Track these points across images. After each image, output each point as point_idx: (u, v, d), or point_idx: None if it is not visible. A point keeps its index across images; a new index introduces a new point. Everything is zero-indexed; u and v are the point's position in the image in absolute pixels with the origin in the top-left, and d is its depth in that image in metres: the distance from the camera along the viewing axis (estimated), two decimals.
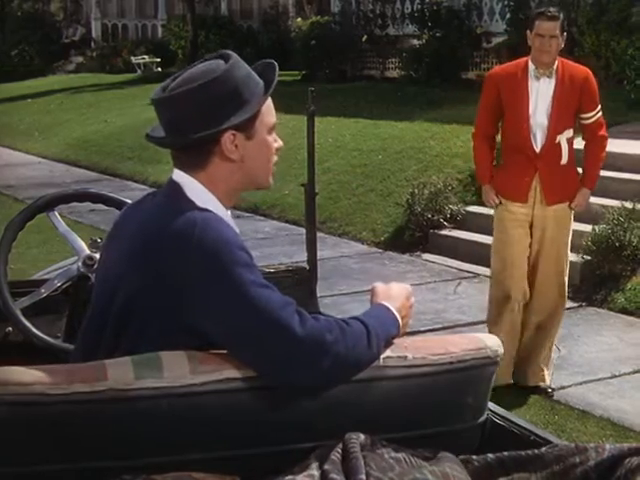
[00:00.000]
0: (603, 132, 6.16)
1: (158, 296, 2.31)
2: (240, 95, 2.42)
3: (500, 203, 6.17)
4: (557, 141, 5.95)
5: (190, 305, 2.29)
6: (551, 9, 5.98)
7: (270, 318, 2.26)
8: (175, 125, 2.42)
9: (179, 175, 2.47)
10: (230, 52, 2.51)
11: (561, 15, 5.94)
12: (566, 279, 6.28)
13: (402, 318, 2.52)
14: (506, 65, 6.35)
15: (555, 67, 5.95)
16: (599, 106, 6.07)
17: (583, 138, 6.20)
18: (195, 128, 2.39)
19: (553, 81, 5.95)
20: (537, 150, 5.98)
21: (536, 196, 6.04)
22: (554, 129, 5.94)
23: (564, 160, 6.01)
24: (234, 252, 2.30)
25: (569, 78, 5.95)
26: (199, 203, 2.40)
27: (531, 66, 5.98)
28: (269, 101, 2.51)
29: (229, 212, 2.51)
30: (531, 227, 6.12)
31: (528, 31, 5.97)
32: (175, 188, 2.45)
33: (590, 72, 6.07)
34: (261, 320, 2.26)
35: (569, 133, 6.00)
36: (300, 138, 8.11)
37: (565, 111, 5.96)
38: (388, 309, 2.51)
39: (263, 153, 2.50)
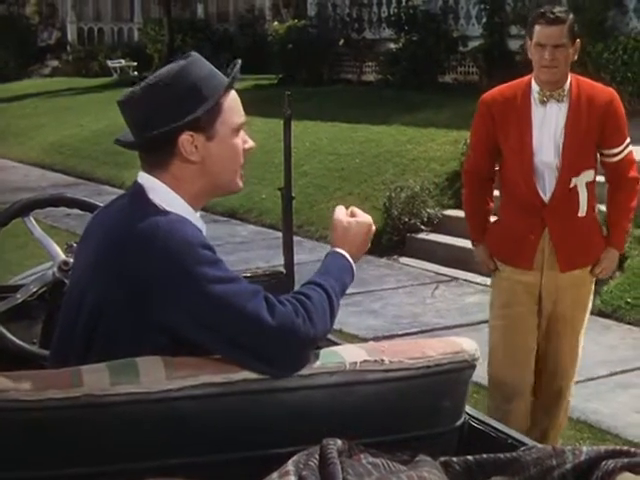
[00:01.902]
0: (634, 173, 4.70)
1: (126, 299, 2.32)
2: (199, 92, 2.40)
3: (497, 269, 4.76)
4: (572, 186, 4.50)
5: (161, 306, 2.29)
6: (555, 9, 4.45)
7: (240, 311, 2.29)
8: (136, 125, 2.42)
9: (143, 177, 2.47)
10: (193, 52, 2.50)
11: (570, 17, 4.45)
12: (580, 352, 4.86)
13: (357, 254, 2.60)
14: (504, 86, 4.70)
15: (567, 87, 4.50)
16: (628, 139, 4.64)
17: (607, 180, 4.75)
18: (153, 127, 2.38)
19: (565, 106, 4.50)
20: (545, 199, 4.53)
21: (545, 260, 4.59)
22: (568, 170, 4.49)
23: (582, 211, 4.57)
24: (197, 251, 2.31)
25: (587, 102, 4.50)
26: (164, 205, 2.40)
27: (534, 87, 4.52)
28: (234, 100, 2.48)
29: (198, 214, 2.50)
30: (539, 298, 4.68)
31: (528, 39, 4.52)
32: (138, 191, 2.45)
33: (615, 93, 4.59)
34: (231, 316, 2.29)
35: (589, 175, 4.56)
36: (276, 142, 8.08)
37: (582, 146, 4.51)
38: (344, 257, 2.57)
39: (226, 155, 2.47)
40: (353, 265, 2.58)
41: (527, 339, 4.70)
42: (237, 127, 2.48)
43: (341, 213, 2.66)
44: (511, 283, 4.67)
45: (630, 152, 4.67)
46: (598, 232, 4.72)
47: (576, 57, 4.50)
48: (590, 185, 4.56)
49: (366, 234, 2.64)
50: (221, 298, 2.29)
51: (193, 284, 2.28)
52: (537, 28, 4.42)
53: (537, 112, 4.51)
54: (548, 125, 4.51)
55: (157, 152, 2.43)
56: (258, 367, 2.31)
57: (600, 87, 4.63)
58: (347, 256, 2.58)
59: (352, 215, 2.67)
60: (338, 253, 2.58)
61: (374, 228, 2.68)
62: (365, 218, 2.66)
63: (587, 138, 4.50)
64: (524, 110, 4.52)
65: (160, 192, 2.42)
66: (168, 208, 2.39)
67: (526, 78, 4.60)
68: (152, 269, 2.29)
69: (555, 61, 4.39)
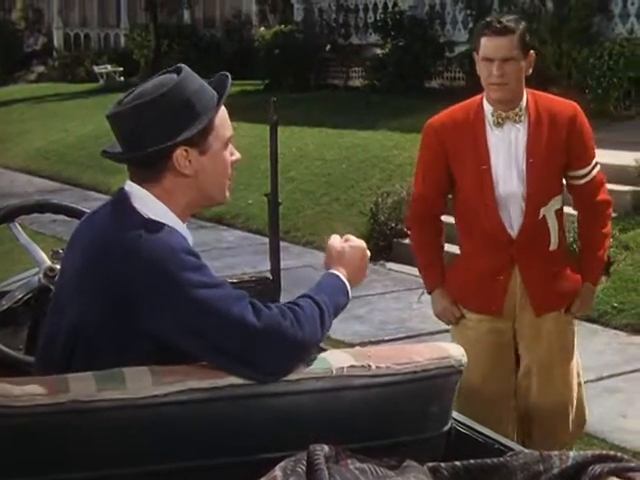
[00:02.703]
0: (604, 195, 4.14)
1: (111, 306, 2.32)
2: (192, 108, 2.42)
3: (462, 317, 4.17)
4: (541, 216, 3.98)
5: (146, 313, 2.30)
6: (503, 19, 3.91)
7: (225, 315, 2.29)
8: (128, 140, 2.43)
9: (130, 186, 2.47)
10: (183, 66, 2.51)
11: (520, 26, 3.91)
12: (584, 406, 4.38)
13: (351, 277, 2.57)
14: (454, 109, 4.16)
15: (524, 105, 3.97)
16: (595, 157, 4.11)
17: (575, 207, 4.24)
18: (147, 143, 2.39)
19: (523, 127, 3.97)
20: (512, 234, 3.99)
21: (517, 304, 4.05)
22: (535, 199, 3.96)
23: (554, 244, 4.05)
24: (181, 257, 2.32)
25: (548, 119, 3.97)
26: (149, 214, 2.40)
27: (487, 108, 3.99)
28: (224, 114, 2.51)
29: (185, 225, 2.51)
30: (515, 347, 4.14)
31: (475, 54, 3.97)
32: (122, 198, 2.46)
33: (578, 107, 4.06)
34: (217, 319, 2.29)
35: (557, 203, 4.05)
36: (263, 147, 8.06)
37: (548, 170, 3.98)
38: (338, 278, 2.55)
39: (218, 168, 2.50)
40: (348, 286, 2.56)
41: (504, 401, 4.12)
42: (227, 140, 2.51)
43: (335, 240, 2.66)
44: (479, 333, 4.08)
45: (599, 172, 4.12)
46: (572, 268, 4.16)
47: (530, 71, 3.95)
48: (559, 213, 4.06)
49: (361, 259, 2.62)
50: (206, 303, 2.29)
51: (177, 290, 2.29)
52: (483, 40, 3.89)
53: (493, 136, 3.98)
54: (506, 150, 3.98)
55: (149, 166, 2.44)
56: (244, 372, 2.30)
57: (560, 101, 4.09)
58: (341, 277, 2.56)
59: (346, 241, 2.65)
60: (332, 273, 2.58)
61: (369, 253, 2.65)
62: (359, 243, 2.66)
63: (552, 161, 3.98)
64: (478, 135, 3.99)
65: (146, 201, 2.43)
66: (153, 217, 2.40)
67: (477, 98, 4.07)
68: (137, 276, 2.29)
69: (505, 77, 3.86)
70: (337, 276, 2.56)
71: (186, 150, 2.41)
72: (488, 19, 3.97)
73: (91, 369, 2.28)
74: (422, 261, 4.30)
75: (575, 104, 4.07)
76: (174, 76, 2.45)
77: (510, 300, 4.04)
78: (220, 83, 2.53)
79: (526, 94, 4.01)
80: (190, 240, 2.46)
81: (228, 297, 2.32)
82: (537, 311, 4.05)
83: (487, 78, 3.90)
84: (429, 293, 4.30)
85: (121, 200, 2.45)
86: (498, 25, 3.86)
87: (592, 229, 4.17)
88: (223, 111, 2.50)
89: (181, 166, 2.42)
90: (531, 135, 3.96)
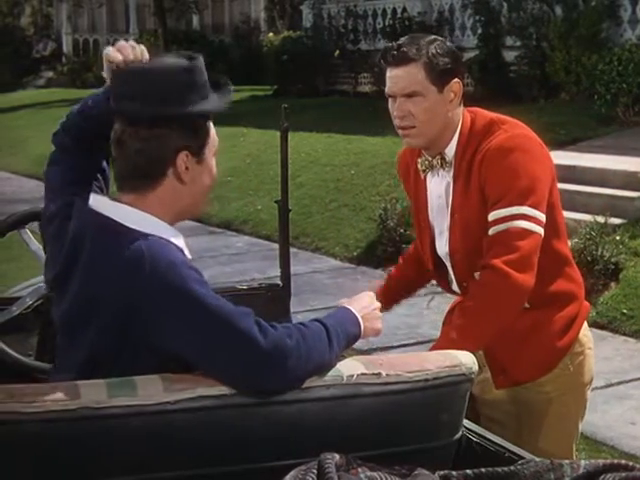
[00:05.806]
0: (502, 264, 2.88)
1: (123, 332, 2.31)
2: (206, 93, 2.46)
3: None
4: None
5: (153, 328, 2.29)
6: (408, 42, 2.99)
7: (231, 328, 2.28)
8: (147, 97, 2.40)
9: (105, 205, 2.44)
10: (197, 56, 2.53)
11: (431, 48, 2.98)
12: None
13: (364, 318, 2.55)
14: None
15: (453, 150, 3.08)
16: (517, 207, 2.91)
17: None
18: (169, 103, 2.39)
19: (449, 177, 3.11)
20: (457, 290, 3.28)
21: (482, 370, 3.08)
22: (461, 264, 3.13)
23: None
24: (185, 271, 2.31)
25: (475, 161, 3.02)
26: (141, 229, 2.37)
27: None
28: (213, 127, 2.52)
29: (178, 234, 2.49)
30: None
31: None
32: (107, 222, 2.39)
33: (506, 138, 2.98)
34: (223, 331, 2.28)
35: None
36: (272, 153, 8.06)
37: (478, 229, 3.00)
38: (348, 309, 2.55)
39: (207, 178, 2.51)
40: (359, 318, 2.54)
41: None
42: (215, 152, 2.53)
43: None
44: None
45: (517, 227, 2.91)
46: (552, 328, 3.19)
47: (458, 105, 3.09)
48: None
49: (369, 302, 2.62)
50: (213, 314, 2.28)
51: (185, 301, 2.28)
52: (387, 71, 3.04)
53: (429, 184, 3.19)
54: (439, 203, 3.17)
55: (147, 171, 2.42)
56: (244, 383, 2.28)
57: (491, 132, 3.05)
58: (351, 309, 2.55)
59: None
60: (342, 306, 2.58)
61: (378, 304, 2.64)
62: (365, 292, 2.69)
63: (483, 216, 2.99)
64: (419, 181, 3.23)
65: (135, 217, 2.39)
66: (145, 230, 2.37)
67: None
68: (144, 293, 2.28)
69: (409, 119, 3.01)
70: (347, 308, 2.56)
71: (187, 155, 2.42)
72: (389, 44, 3.07)
73: None
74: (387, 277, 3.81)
75: (505, 133, 3.02)
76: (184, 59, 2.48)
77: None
78: (219, 86, 2.55)
79: (461, 129, 3.10)
80: (183, 242, 2.45)
81: (235, 311, 2.30)
82: (497, 383, 3.20)
83: (394, 120, 3.08)
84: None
85: (108, 224, 2.39)
86: (395, 52, 2.98)
87: (472, 294, 3.02)
88: (212, 125, 2.52)
89: (182, 171, 2.42)
90: (456, 185, 3.08)
